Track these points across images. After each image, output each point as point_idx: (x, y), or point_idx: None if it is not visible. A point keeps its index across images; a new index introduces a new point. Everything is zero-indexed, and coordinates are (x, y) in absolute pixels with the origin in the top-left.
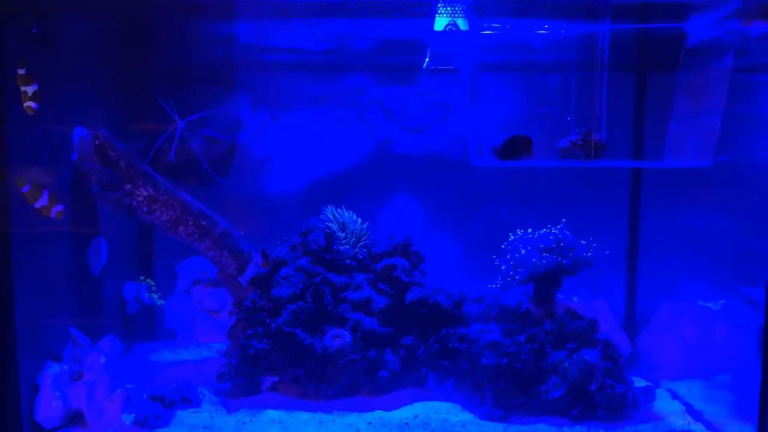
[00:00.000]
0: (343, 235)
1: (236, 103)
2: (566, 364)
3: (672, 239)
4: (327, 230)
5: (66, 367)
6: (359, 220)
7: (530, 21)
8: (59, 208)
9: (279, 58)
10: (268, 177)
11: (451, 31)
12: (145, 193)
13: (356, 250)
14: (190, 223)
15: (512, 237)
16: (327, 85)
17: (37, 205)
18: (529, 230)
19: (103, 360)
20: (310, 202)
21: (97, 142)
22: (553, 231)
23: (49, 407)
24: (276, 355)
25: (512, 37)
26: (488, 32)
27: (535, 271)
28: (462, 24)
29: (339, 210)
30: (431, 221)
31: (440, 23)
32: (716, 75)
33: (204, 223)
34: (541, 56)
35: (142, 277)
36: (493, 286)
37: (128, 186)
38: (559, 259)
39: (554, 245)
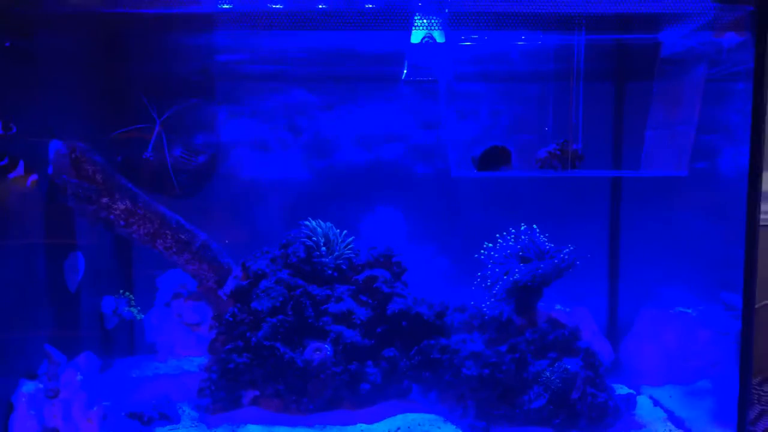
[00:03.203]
0: (324, 246)
1: (215, 112)
2: (548, 374)
3: (652, 246)
4: (307, 242)
5: (41, 385)
6: (341, 232)
7: (507, 33)
8: (34, 177)
9: (258, 68)
10: (250, 187)
11: (428, 43)
12: (122, 207)
13: (338, 261)
14: (169, 237)
15: (488, 245)
16: (308, 95)
17: (12, 175)
18: (503, 235)
19: (79, 377)
20: (294, 212)
21: (73, 155)
22: (525, 234)
23: (24, 426)
24: (256, 369)
25: (490, 48)
26: (466, 43)
27: (514, 284)
28: (438, 36)
29: (320, 221)
30: (414, 230)
31: (417, 36)
32: (690, 85)
33: (182, 236)
34: (518, 67)
35: (121, 291)
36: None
37: (105, 199)
38: (538, 268)
39: (531, 253)
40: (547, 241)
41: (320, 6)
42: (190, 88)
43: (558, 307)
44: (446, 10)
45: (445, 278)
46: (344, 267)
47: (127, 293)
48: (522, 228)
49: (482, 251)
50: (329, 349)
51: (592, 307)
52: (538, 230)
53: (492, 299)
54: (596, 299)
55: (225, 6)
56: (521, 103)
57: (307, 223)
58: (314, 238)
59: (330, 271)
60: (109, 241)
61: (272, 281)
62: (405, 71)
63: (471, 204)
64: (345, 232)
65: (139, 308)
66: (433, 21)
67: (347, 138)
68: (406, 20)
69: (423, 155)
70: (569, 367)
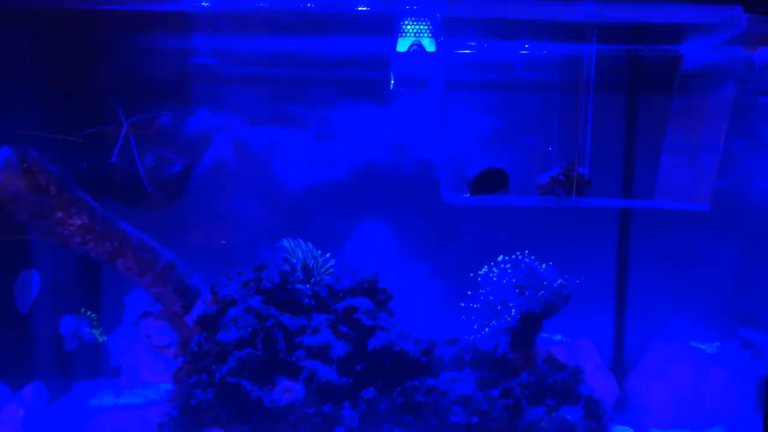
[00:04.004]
0: (302, 271)
1: (191, 118)
2: (544, 424)
3: (664, 273)
4: (283, 266)
5: None
6: (322, 254)
7: (507, 42)
8: None
9: (238, 71)
10: (227, 200)
11: (416, 52)
12: (78, 222)
13: (316, 288)
14: (130, 257)
15: (484, 270)
16: (291, 103)
17: None
18: (498, 262)
19: (21, 413)
20: (275, 227)
21: (24, 164)
22: (524, 263)
23: None
24: (220, 408)
25: (486, 58)
26: (463, 51)
27: (510, 318)
28: (428, 45)
29: (298, 242)
30: (404, 251)
31: (404, 44)
32: (716, 106)
33: (145, 256)
34: (520, 81)
35: (82, 310)
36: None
37: (59, 214)
38: (538, 301)
39: (530, 283)
40: (547, 269)
41: (296, 9)
42: (165, 92)
43: (558, 337)
44: (438, 15)
45: (437, 302)
46: (323, 294)
47: (89, 312)
48: (520, 255)
49: (477, 278)
50: (300, 388)
51: (596, 338)
52: (536, 260)
53: (486, 332)
54: (601, 329)
55: (203, 4)
56: (522, 121)
57: (284, 243)
58: (292, 261)
59: (307, 299)
60: (73, 254)
61: (242, 309)
62: (392, 81)
63: (466, 220)
64: (328, 255)
65: (102, 329)
66: (422, 27)
67: (335, 147)
68: (391, 26)
69: (416, 166)
70: (568, 417)
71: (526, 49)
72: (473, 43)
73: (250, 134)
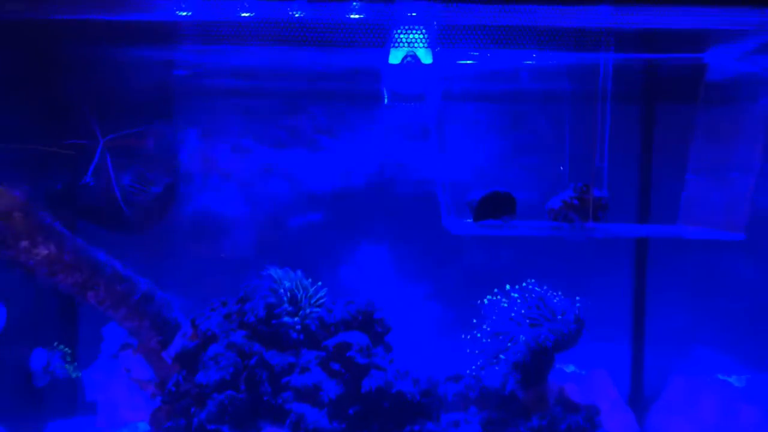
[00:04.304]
0: (289, 303)
1: (174, 135)
2: None
3: (685, 297)
4: (269, 298)
5: None
6: (312, 280)
7: (513, 51)
8: None
9: (225, 84)
10: (215, 222)
11: (410, 64)
12: (45, 252)
13: (306, 321)
14: (101, 288)
15: (491, 298)
16: (282, 119)
17: None
18: (506, 291)
19: None
20: (264, 250)
21: None
22: (534, 292)
23: None
24: None
25: (490, 69)
26: (465, 62)
27: (519, 354)
28: (424, 56)
29: (286, 270)
30: (402, 272)
31: (397, 55)
32: (750, 120)
33: (119, 287)
34: (527, 93)
35: (55, 343)
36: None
37: (24, 243)
38: (550, 334)
39: (543, 312)
40: (559, 299)
41: (281, 18)
42: (146, 106)
43: (571, 368)
44: (435, 23)
45: (437, 327)
46: (313, 328)
47: (62, 346)
48: (528, 280)
49: (482, 307)
50: None
51: (612, 369)
52: (547, 288)
53: (493, 366)
54: (617, 358)
55: (183, 14)
56: (529, 137)
57: (270, 272)
58: (278, 291)
59: (295, 334)
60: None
61: (223, 345)
62: (385, 96)
63: (468, 239)
64: (319, 283)
65: (76, 364)
66: (417, 37)
67: (329, 163)
68: (383, 36)
69: (414, 183)
70: None
71: (533, 59)
72: (475, 53)
73: (239, 151)
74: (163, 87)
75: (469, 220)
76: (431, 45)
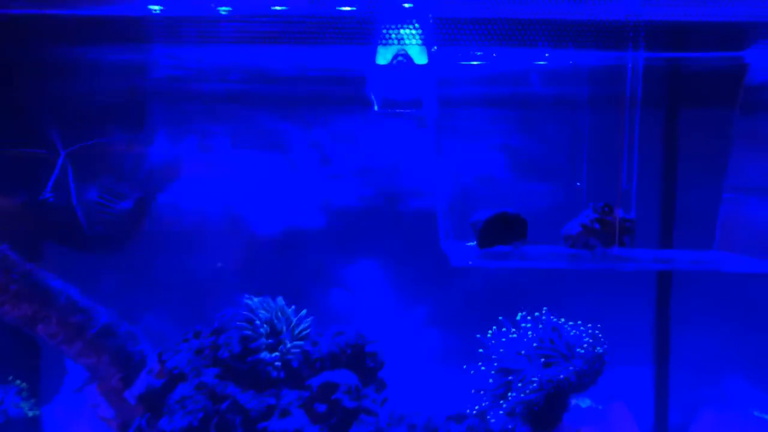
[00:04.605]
0: (268, 335)
1: (145, 144)
2: None
3: (715, 321)
4: (244, 330)
5: None
6: (297, 308)
7: (523, 50)
8: None
9: (199, 88)
10: (193, 240)
11: (401, 64)
12: None
13: (287, 356)
14: (53, 321)
15: (494, 330)
16: (262, 125)
17: None
18: (515, 321)
19: None
20: (246, 272)
21: None
22: (546, 322)
23: None
24: None
25: (496, 71)
26: (469, 63)
27: (530, 398)
28: (417, 55)
29: (266, 298)
30: (402, 299)
31: (385, 55)
32: None
33: (74, 319)
34: (539, 98)
35: (10, 377)
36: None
37: None
38: (567, 374)
39: (558, 348)
40: (576, 328)
41: (258, 13)
42: (115, 114)
43: (587, 403)
44: (430, 17)
45: (440, 356)
46: (295, 364)
47: (18, 380)
48: (543, 313)
49: (488, 339)
50: None
51: (632, 403)
52: (562, 320)
53: (501, 406)
54: (639, 390)
55: (154, 8)
56: (542, 148)
57: (248, 300)
58: (256, 323)
59: (275, 372)
60: None
61: (192, 386)
62: (374, 102)
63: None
64: (303, 312)
65: (34, 401)
66: (409, 33)
67: (318, 174)
68: (369, 32)
69: (414, 195)
70: None
71: (546, 59)
72: (479, 52)
73: (218, 162)
74: (134, 91)
75: (472, 244)
76: (426, 42)
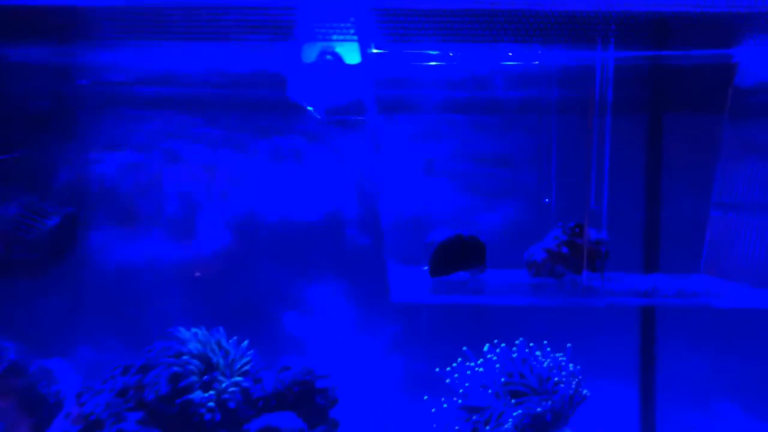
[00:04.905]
0: (202, 372)
1: (73, 154)
2: None
3: (703, 339)
4: (174, 367)
5: None
6: (238, 340)
7: (481, 47)
8: None
9: (140, 93)
10: (129, 261)
11: (329, 62)
12: None
13: (224, 396)
14: None
15: (458, 363)
16: (209, 129)
17: None
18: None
19: None
20: (188, 296)
21: None
22: (520, 352)
23: None
24: None
25: (452, 71)
26: (421, 63)
27: None
28: (348, 53)
29: (201, 329)
30: (361, 324)
31: (311, 52)
32: None
33: None
34: (501, 103)
35: None
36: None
37: None
38: (539, 411)
39: (530, 382)
40: (550, 357)
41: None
42: (39, 122)
43: None
44: (365, 7)
45: (403, 388)
46: (233, 405)
47: None
48: (513, 345)
49: (451, 374)
50: None
51: (617, 425)
52: (534, 348)
53: None
54: (623, 417)
55: None
56: (504, 159)
57: (180, 332)
58: (184, 357)
59: (209, 415)
60: None
61: None
62: (309, 107)
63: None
64: (245, 343)
65: None
66: (337, 26)
67: (268, 188)
68: (289, 25)
69: (372, 214)
70: None
71: (510, 58)
72: (436, 52)
73: (155, 174)
74: (61, 96)
75: (426, 268)
76: (361, 38)
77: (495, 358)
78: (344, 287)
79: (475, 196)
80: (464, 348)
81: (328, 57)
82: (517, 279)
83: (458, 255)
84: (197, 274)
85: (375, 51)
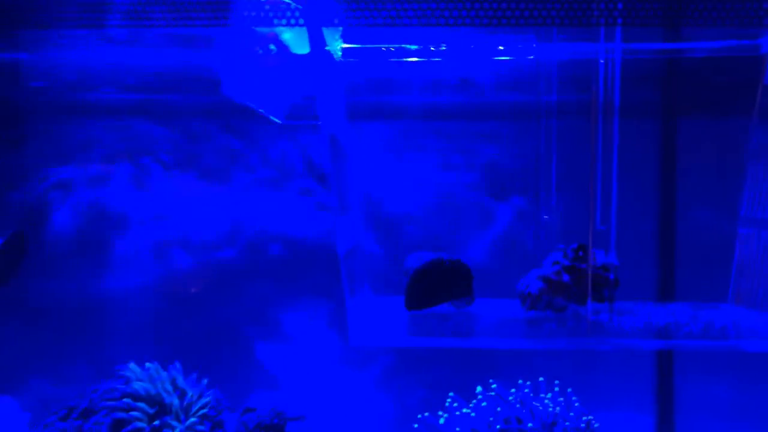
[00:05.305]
0: (152, 417)
1: (20, 165)
2: None
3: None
4: (118, 412)
5: None
6: (197, 377)
7: (469, 35)
8: None
9: (94, 99)
10: (86, 283)
11: (270, 55)
12: None
13: None
14: None
15: (447, 405)
16: (163, 136)
17: None
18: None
19: None
20: (147, 325)
21: None
22: (518, 393)
23: None
24: None
25: (427, 64)
26: (413, 59)
27: None
28: (294, 42)
29: (154, 366)
30: (348, 354)
31: (250, 41)
32: None
33: None
34: (490, 105)
35: None
36: None
37: None
38: None
39: (534, 429)
40: (553, 400)
41: None
42: None
43: None
44: None
45: (390, 426)
46: None
47: None
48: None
49: (437, 417)
50: None
51: None
52: (531, 388)
53: None
54: None
55: None
56: (499, 170)
57: (129, 370)
58: (127, 401)
59: None
60: None
61: None
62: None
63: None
64: (204, 381)
65: None
66: (284, 11)
67: (248, 196)
68: (224, 8)
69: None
70: None
71: (501, 51)
72: (414, 47)
73: (116, 189)
74: (5, 103)
75: (402, 297)
76: (308, 22)
77: (485, 404)
78: (326, 311)
79: (462, 212)
80: (450, 394)
81: (272, 47)
82: (510, 312)
83: (439, 284)
84: (193, 290)
85: (338, 43)
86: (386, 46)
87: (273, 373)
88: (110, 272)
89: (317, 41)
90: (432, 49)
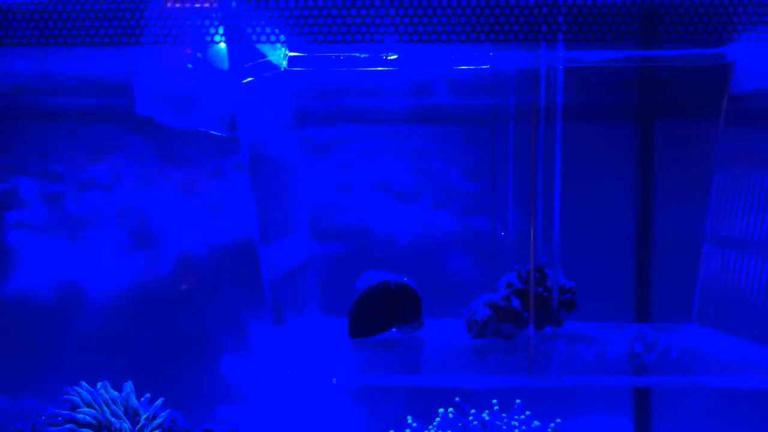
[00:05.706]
0: None
1: None
2: None
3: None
4: None
5: None
6: (151, 397)
7: (426, 47)
8: None
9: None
10: (40, 300)
11: (185, 70)
12: None
13: None
14: None
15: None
16: (118, 152)
17: None
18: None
19: None
20: (98, 345)
21: None
22: (479, 416)
23: None
24: None
25: (368, 76)
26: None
27: None
28: (216, 56)
29: (104, 385)
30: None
31: (169, 55)
32: None
33: None
34: (442, 111)
35: None
36: None
37: None
38: None
39: None
40: (524, 423)
41: None
42: None
43: None
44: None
45: None
46: None
47: None
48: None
49: None
50: None
51: None
52: (497, 410)
53: None
54: None
55: None
56: (450, 181)
57: (78, 391)
58: (70, 426)
59: None
60: None
61: None
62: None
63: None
64: (159, 401)
65: None
66: (200, 18)
67: (197, 217)
68: (136, 19)
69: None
70: None
71: (456, 60)
72: (365, 55)
73: (75, 194)
74: None
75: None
76: (228, 34)
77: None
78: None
79: (409, 228)
80: (408, 418)
81: (198, 55)
82: (459, 339)
83: (386, 309)
84: (184, 286)
85: (282, 52)
86: (335, 54)
87: (240, 389)
88: (68, 280)
89: (239, 56)
90: (384, 57)
